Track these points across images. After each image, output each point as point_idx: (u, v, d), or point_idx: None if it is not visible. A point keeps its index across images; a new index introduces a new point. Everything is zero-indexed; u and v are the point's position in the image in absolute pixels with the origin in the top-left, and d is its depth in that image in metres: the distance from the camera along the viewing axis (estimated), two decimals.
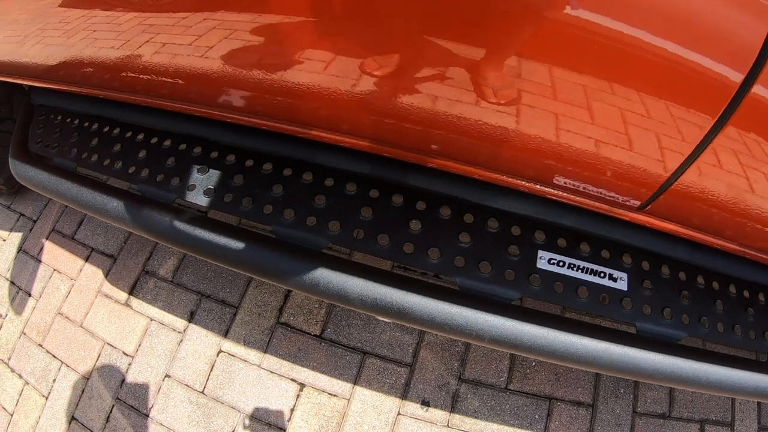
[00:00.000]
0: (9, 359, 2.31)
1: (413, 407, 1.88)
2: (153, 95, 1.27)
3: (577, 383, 1.96)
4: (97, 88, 1.42)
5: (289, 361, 1.95)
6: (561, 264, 1.23)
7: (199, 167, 1.32)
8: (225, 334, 2.03)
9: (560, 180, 1.08)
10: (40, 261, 2.44)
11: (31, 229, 2.55)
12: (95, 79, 1.37)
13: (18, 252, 2.52)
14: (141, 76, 1.20)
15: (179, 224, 1.24)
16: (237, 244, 1.18)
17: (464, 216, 1.25)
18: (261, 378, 1.94)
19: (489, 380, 1.93)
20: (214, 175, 1.30)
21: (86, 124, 1.64)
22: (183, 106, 1.26)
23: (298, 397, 1.90)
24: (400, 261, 1.19)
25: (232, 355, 1.99)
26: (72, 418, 2.09)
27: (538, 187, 1.13)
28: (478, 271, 1.18)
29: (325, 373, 1.92)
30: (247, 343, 2.00)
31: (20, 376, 2.26)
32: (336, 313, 2.03)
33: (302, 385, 1.92)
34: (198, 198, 1.28)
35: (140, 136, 1.48)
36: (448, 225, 1.23)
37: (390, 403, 1.88)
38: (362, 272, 1.17)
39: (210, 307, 2.09)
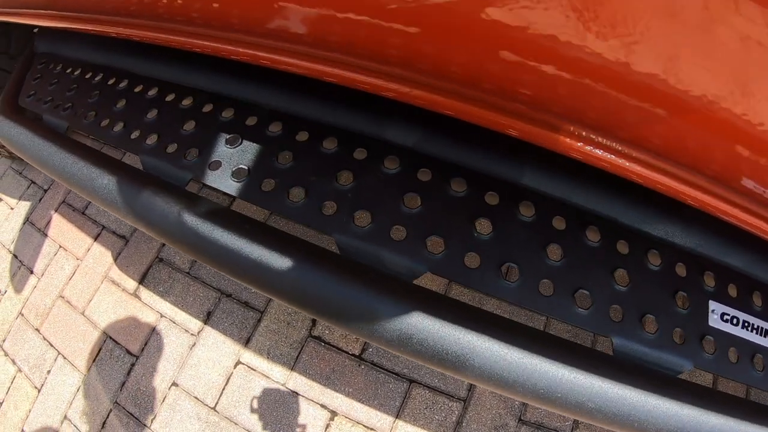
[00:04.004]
0: (3, 341, 1.81)
1: None
2: (180, 20, 0.73)
3: None
4: (114, 17, 0.88)
5: (319, 383, 1.42)
6: (735, 321, 0.76)
7: (228, 137, 0.78)
8: (246, 342, 1.50)
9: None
10: (46, 235, 1.92)
11: (40, 199, 2.03)
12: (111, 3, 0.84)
13: (24, 223, 2.00)
14: None
15: (191, 218, 0.71)
16: (278, 260, 0.65)
17: (617, 244, 0.71)
18: (285, 399, 1.42)
19: (553, 424, 1.40)
20: (249, 149, 0.77)
21: (89, 75, 1.10)
22: (219, 42, 0.72)
23: (327, 427, 1.38)
24: (537, 309, 0.67)
25: (252, 369, 1.47)
26: (65, 418, 1.58)
27: (712, 199, 0.64)
28: (641, 330, 0.70)
29: (362, 402, 1.39)
30: (272, 356, 1.47)
31: (14, 362, 1.76)
32: None
33: (334, 413, 1.39)
34: (223, 181, 0.74)
35: (153, 92, 0.94)
36: (599, 257, 0.70)
37: None
38: (477, 324, 0.63)
39: (230, 308, 1.55)
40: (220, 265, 0.68)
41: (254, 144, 0.76)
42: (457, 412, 1.39)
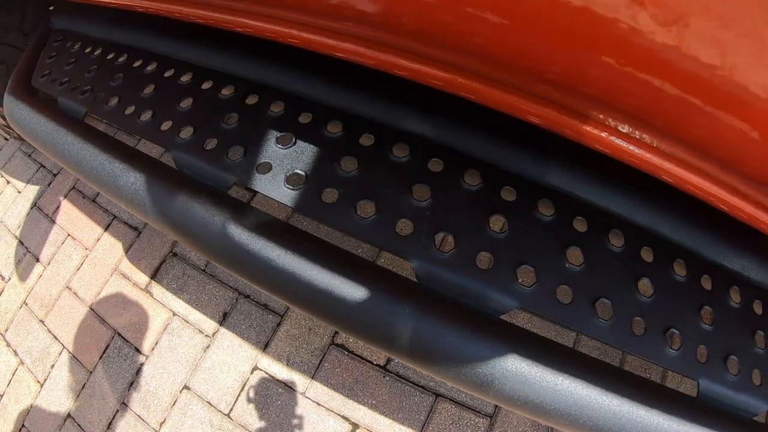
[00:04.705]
0: (6, 331, 1.69)
1: None
2: None
3: None
4: None
5: (341, 393, 1.31)
6: None
7: (279, 136, 0.66)
8: (264, 347, 1.39)
9: None
10: (54, 222, 1.79)
11: (49, 184, 1.90)
12: None
13: (32, 208, 1.87)
14: None
15: (236, 231, 0.59)
16: (348, 289, 0.53)
17: (702, 280, 0.62)
18: (304, 409, 1.31)
19: None
20: (305, 152, 0.65)
21: (112, 55, 0.98)
22: (266, 21, 0.60)
23: None
24: (629, 349, 0.57)
25: (270, 375, 1.36)
26: (68, 415, 1.47)
27: None
28: (726, 372, 0.62)
29: (386, 415, 1.29)
30: (291, 363, 1.36)
31: (16, 354, 1.64)
32: None
33: (355, 426, 1.29)
34: (275, 188, 0.62)
35: (186, 77, 0.82)
36: (687, 292, 0.60)
37: None
38: (578, 371, 0.52)
39: (248, 310, 1.44)
40: (274, 289, 0.56)
41: (311, 146, 0.64)
42: (483, 429, 1.29)
